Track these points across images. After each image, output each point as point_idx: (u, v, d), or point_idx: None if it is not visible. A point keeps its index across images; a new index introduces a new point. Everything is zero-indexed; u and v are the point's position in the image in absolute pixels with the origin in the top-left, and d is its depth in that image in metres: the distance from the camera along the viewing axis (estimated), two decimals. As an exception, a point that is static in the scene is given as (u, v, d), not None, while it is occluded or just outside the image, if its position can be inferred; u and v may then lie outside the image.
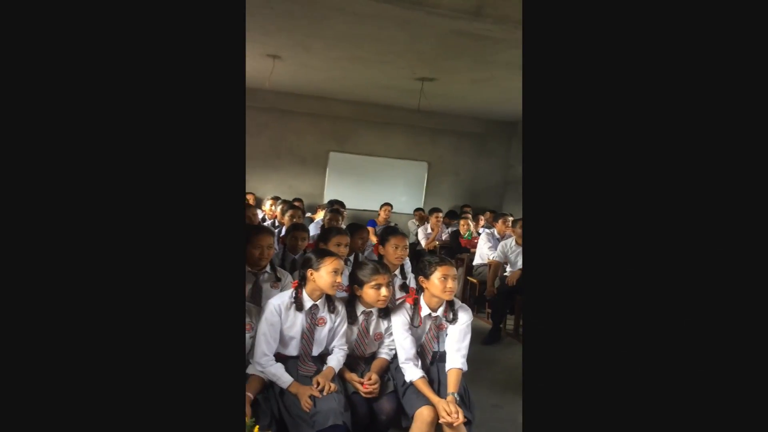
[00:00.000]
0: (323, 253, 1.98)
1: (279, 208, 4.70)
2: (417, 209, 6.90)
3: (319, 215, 5.10)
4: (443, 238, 5.70)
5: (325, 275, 1.91)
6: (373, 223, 6.10)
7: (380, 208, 6.31)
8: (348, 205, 5.90)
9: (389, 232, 2.78)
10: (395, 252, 2.63)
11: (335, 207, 4.78)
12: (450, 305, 2.10)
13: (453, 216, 6.38)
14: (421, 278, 2.09)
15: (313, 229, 4.21)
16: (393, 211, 6.38)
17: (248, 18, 3.49)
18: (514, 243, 4.45)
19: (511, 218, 4.97)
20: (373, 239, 4.27)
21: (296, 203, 5.32)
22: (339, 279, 1.93)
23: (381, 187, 7.42)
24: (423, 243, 5.73)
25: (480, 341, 3.96)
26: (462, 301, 4.93)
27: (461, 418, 1.81)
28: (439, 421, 1.84)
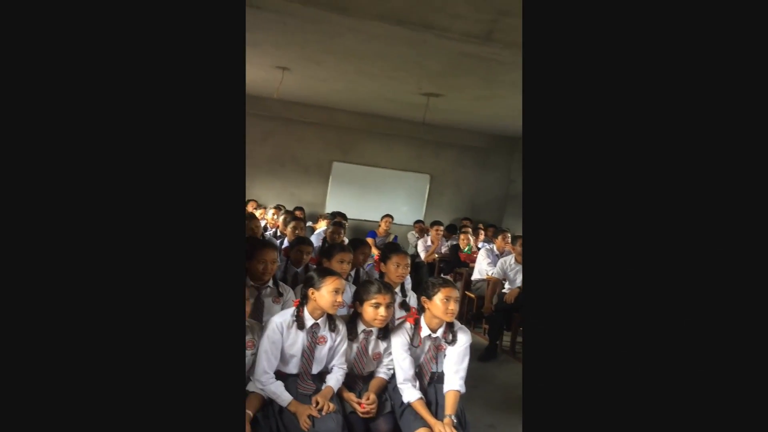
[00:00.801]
0: (324, 273, 2.01)
1: (282, 218, 4.73)
2: (417, 221, 6.93)
3: (321, 225, 5.13)
4: (443, 251, 5.73)
5: (326, 294, 1.94)
6: (374, 234, 6.13)
7: (381, 219, 6.35)
8: (349, 215, 5.94)
9: (391, 249, 2.81)
10: (396, 270, 2.65)
11: (338, 220, 4.80)
12: (450, 326, 2.13)
13: (452, 230, 6.42)
14: (423, 299, 2.12)
15: (315, 240, 4.24)
16: (393, 222, 6.42)
17: (261, 31, 3.55)
18: (513, 260, 4.48)
19: (510, 235, 5.01)
20: (374, 251, 4.30)
21: (298, 213, 5.35)
22: (340, 298, 1.96)
23: (382, 198, 7.46)
24: (422, 255, 5.75)
25: (476, 358, 3.97)
26: (460, 316, 4.95)
27: (457, 442, 1.84)
28: (435, 444, 1.87)
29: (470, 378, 3.48)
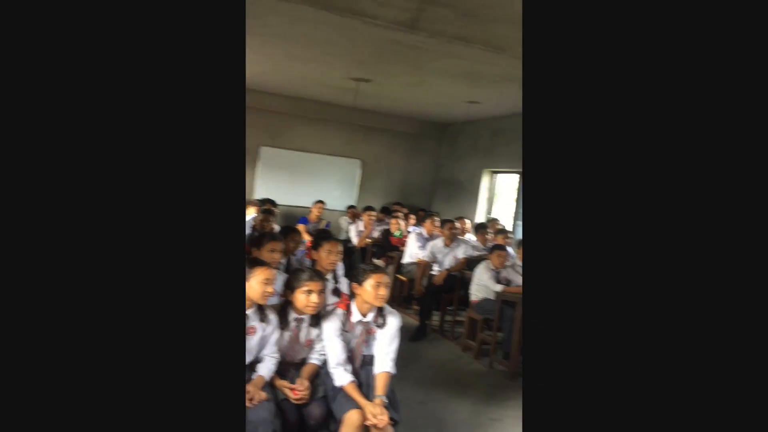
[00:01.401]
0: (253, 263, 1.99)
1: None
2: (350, 207, 6.96)
3: (250, 212, 5.01)
4: (375, 236, 5.81)
5: (255, 285, 1.93)
6: (305, 221, 6.08)
7: (312, 205, 6.30)
8: (279, 202, 5.83)
9: (322, 236, 2.82)
10: (328, 257, 2.67)
11: (267, 207, 4.71)
12: (380, 311, 2.19)
13: (387, 212, 6.52)
14: (354, 285, 2.16)
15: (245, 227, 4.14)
16: (325, 207, 6.39)
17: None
18: (441, 243, 4.66)
19: (438, 219, 5.18)
20: (305, 237, 4.27)
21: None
22: (270, 289, 1.95)
23: (314, 184, 7.39)
24: (355, 241, 5.80)
25: (407, 338, 4.11)
26: (392, 299, 5.07)
27: (386, 420, 1.91)
28: (366, 423, 1.93)
29: (401, 358, 3.60)
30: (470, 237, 5.46)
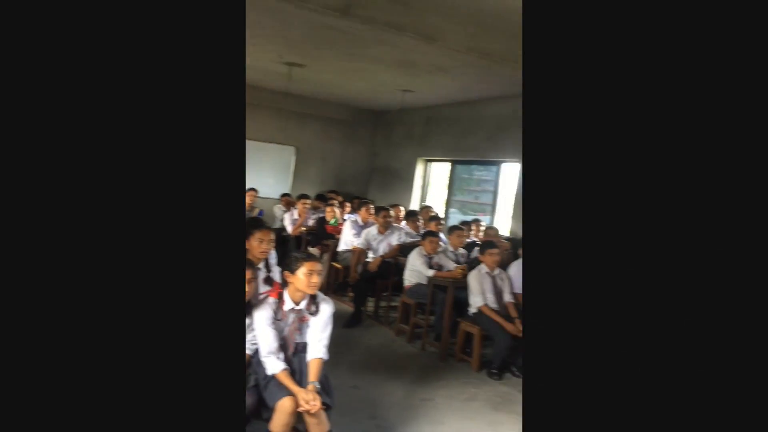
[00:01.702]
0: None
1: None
2: (284, 194, 6.83)
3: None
4: (309, 224, 5.76)
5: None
6: (237, 208, 5.89)
7: (245, 193, 6.12)
8: (210, 189, 5.61)
9: (253, 225, 2.75)
10: (260, 246, 2.62)
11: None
12: (313, 298, 2.19)
13: (323, 200, 6.47)
14: (286, 273, 2.14)
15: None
16: (259, 195, 6.24)
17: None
18: (376, 231, 4.71)
19: (373, 206, 5.22)
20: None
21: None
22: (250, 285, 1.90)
23: (247, 171, 7.16)
24: (289, 229, 5.72)
25: (342, 325, 4.14)
26: (327, 286, 5.06)
27: (319, 406, 1.93)
28: (298, 410, 1.94)
29: (335, 344, 3.63)
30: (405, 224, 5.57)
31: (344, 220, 5.43)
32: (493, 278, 3.68)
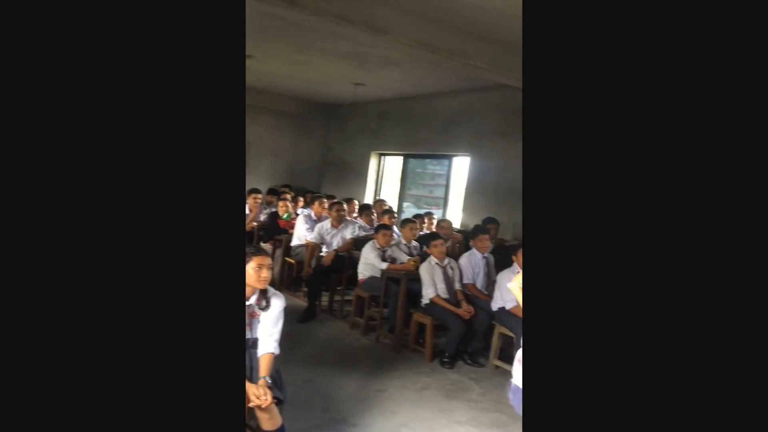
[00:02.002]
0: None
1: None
2: (234, 189, 6.64)
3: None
4: (261, 219, 5.65)
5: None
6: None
7: (193, 188, 5.91)
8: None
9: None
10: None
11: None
12: (263, 293, 2.16)
13: (275, 193, 6.37)
14: (233, 268, 2.10)
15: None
16: (208, 190, 6.04)
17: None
18: (329, 225, 4.69)
19: (326, 200, 5.20)
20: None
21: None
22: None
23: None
24: (240, 224, 5.59)
25: (296, 320, 4.11)
26: (280, 281, 4.99)
27: (270, 400, 1.91)
28: (249, 405, 1.91)
29: (289, 339, 3.62)
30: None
31: (297, 214, 5.36)
32: (444, 269, 3.75)
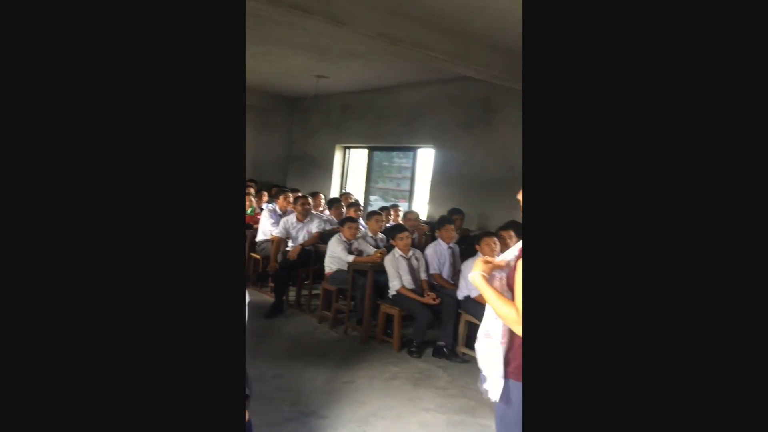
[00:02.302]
0: None
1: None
2: (196, 185, 6.48)
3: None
4: (225, 215, 5.54)
5: None
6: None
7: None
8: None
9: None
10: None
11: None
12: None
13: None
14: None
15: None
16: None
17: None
18: (295, 219, 4.64)
19: (291, 194, 5.14)
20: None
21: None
22: None
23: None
24: (203, 221, 5.46)
25: (263, 315, 4.06)
26: (246, 278, 4.89)
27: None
28: (216, 403, 1.89)
29: (257, 335, 3.58)
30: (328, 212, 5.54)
31: (261, 209, 5.28)
32: (408, 260, 3.78)
